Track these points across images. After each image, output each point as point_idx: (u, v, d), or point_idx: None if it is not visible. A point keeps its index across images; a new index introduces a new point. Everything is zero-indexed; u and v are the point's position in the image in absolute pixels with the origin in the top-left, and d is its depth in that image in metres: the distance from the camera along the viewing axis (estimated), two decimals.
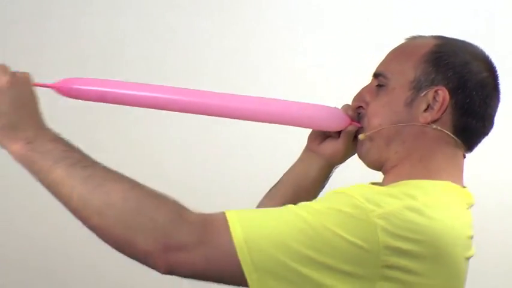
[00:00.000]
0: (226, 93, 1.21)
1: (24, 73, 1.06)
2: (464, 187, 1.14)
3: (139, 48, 2.60)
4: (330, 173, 1.30)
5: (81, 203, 0.93)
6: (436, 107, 1.10)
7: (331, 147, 1.25)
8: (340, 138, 1.23)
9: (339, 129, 1.21)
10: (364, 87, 1.18)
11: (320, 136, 1.27)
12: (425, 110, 1.10)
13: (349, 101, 1.21)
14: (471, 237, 1.07)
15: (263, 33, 2.58)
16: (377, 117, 1.13)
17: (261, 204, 1.33)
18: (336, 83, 2.31)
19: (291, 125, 1.20)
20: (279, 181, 1.32)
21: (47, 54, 2.60)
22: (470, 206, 1.12)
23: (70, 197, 0.93)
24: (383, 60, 1.17)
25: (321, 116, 1.19)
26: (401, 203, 0.96)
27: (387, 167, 1.13)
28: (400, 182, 1.07)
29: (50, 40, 2.61)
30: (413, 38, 1.18)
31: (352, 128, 1.19)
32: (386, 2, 2.56)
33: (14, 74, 1.04)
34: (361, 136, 1.15)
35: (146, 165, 2.51)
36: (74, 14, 2.61)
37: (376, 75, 1.16)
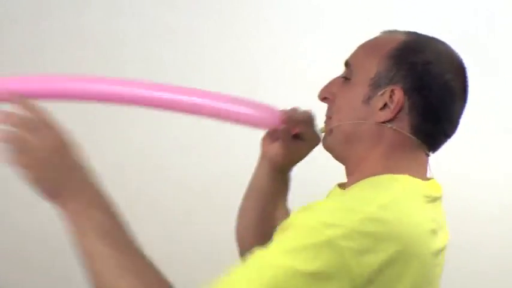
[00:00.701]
0: (156, 84, 1.18)
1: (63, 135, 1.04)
2: (429, 179, 1.11)
3: (139, 48, 2.60)
4: (283, 178, 1.28)
5: (103, 285, 0.94)
6: (392, 106, 1.08)
7: (272, 148, 1.24)
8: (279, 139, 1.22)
9: (269, 128, 1.18)
10: (335, 78, 1.16)
11: (269, 139, 1.25)
12: (382, 109, 1.08)
13: None
14: (433, 230, 1.02)
15: (263, 33, 2.58)
16: (338, 113, 1.12)
17: (238, 218, 1.32)
18: None
19: (218, 118, 1.14)
20: (244, 194, 1.31)
21: (47, 54, 2.61)
22: (436, 198, 1.08)
23: (99, 274, 0.94)
24: (354, 51, 1.15)
25: (249, 113, 1.13)
26: (359, 216, 0.93)
27: (350, 168, 1.12)
28: (360, 181, 1.06)
29: (50, 40, 2.61)
30: (387, 32, 1.15)
31: (283, 127, 1.17)
32: (387, 2, 2.56)
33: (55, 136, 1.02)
34: (321, 129, 1.16)
35: (146, 165, 2.52)
36: (74, 14, 2.61)
37: (346, 64, 1.15)
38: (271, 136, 1.23)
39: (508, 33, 2.52)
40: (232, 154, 2.50)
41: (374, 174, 1.07)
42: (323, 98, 1.16)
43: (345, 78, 1.13)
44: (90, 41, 2.60)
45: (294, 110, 1.19)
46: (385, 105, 1.08)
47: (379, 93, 1.08)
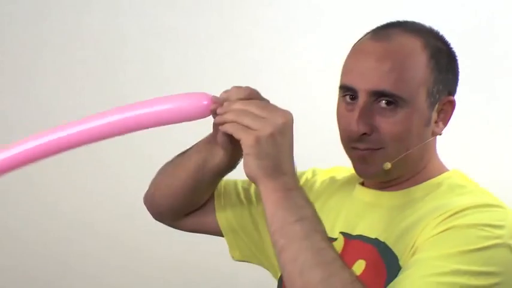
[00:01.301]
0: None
1: (290, 113, 0.98)
2: None
3: (139, 48, 2.60)
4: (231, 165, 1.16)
5: (298, 269, 0.90)
6: (448, 116, 1.10)
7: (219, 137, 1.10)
8: None
9: (202, 117, 1.03)
10: (365, 107, 1.06)
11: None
12: (437, 120, 1.09)
13: None
14: None
15: (263, 33, 2.58)
16: (400, 142, 1.06)
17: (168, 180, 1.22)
18: (336, 83, 2.31)
19: (143, 127, 1.05)
20: (176, 163, 1.20)
21: (47, 54, 2.61)
22: None
23: (294, 258, 0.90)
24: (380, 73, 1.05)
25: (167, 107, 1.02)
26: (503, 210, 1.02)
27: (402, 179, 1.11)
28: (426, 183, 1.09)
29: (50, 40, 2.61)
30: (392, 38, 1.08)
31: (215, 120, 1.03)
32: (386, 2, 2.56)
33: (285, 115, 0.97)
34: (386, 165, 1.06)
35: (145, 165, 2.51)
36: (74, 14, 2.61)
37: (382, 93, 1.05)
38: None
39: (508, 33, 2.52)
40: None
41: (435, 175, 1.10)
42: (363, 134, 1.06)
43: (388, 104, 1.05)
44: (90, 41, 2.60)
45: (227, 92, 1.05)
46: (438, 116, 1.09)
47: (435, 109, 1.08)
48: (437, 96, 1.07)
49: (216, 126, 1.05)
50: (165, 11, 2.60)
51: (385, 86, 1.04)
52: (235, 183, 1.24)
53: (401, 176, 1.10)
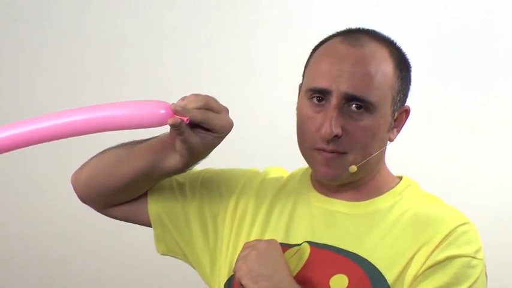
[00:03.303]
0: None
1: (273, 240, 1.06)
2: None
3: (139, 48, 2.60)
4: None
5: None
6: (401, 124, 1.14)
7: (177, 144, 1.10)
8: None
9: (160, 125, 1.03)
10: (334, 110, 1.07)
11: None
12: (393, 128, 1.13)
13: None
14: None
15: (263, 33, 2.58)
16: (365, 148, 1.08)
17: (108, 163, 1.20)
18: None
19: (110, 127, 1.05)
20: (134, 148, 1.17)
21: (47, 54, 2.60)
22: None
23: None
24: (355, 77, 1.07)
25: (127, 113, 1.02)
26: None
27: (359, 183, 1.14)
28: (386, 194, 1.13)
29: (50, 40, 2.61)
30: (364, 45, 1.10)
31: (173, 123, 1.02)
32: (386, 2, 2.56)
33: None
34: (351, 168, 1.08)
35: None
36: (74, 14, 2.61)
37: (355, 98, 1.07)
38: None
39: (508, 33, 2.52)
40: (232, 154, 2.50)
41: (388, 183, 1.14)
42: (335, 136, 1.07)
43: (358, 108, 1.07)
44: (90, 41, 2.59)
45: (184, 99, 1.05)
46: (393, 123, 1.13)
47: (395, 116, 1.12)
48: (398, 104, 1.11)
49: (174, 132, 1.05)
50: (165, 11, 2.60)
51: (359, 90, 1.06)
52: (170, 177, 1.21)
53: (360, 179, 1.12)
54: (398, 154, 2.36)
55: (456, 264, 1.03)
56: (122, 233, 2.52)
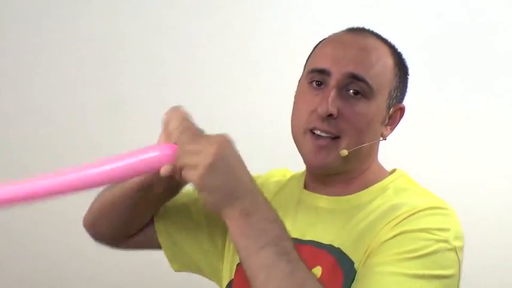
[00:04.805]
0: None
1: (223, 135, 0.94)
2: None
3: (139, 48, 2.60)
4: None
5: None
6: (395, 122, 1.15)
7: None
8: None
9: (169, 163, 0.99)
10: (337, 89, 1.08)
11: None
12: (386, 124, 1.14)
13: None
14: None
15: (263, 33, 2.58)
16: (359, 135, 1.08)
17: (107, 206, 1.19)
18: None
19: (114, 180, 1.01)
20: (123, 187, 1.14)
21: (47, 54, 2.60)
22: None
23: (264, 284, 0.88)
24: (358, 59, 1.09)
25: (136, 160, 0.98)
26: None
27: (349, 176, 1.13)
28: (374, 186, 1.12)
29: (50, 40, 2.61)
30: (368, 38, 1.13)
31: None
32: (386, 2, 2.56)
33: (217, 140, 0.92)
34: (343, 152, 1.08)
35: None
36: (74, 14, 2.61)
37: (356, 77, 1.08)
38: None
39: (508, 33, 2.52)
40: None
41: (377, 178, 1.13)
42: (329, 114, 1.07)
43: (356, 93, 1.08)
44: (90, 41, 2.60)
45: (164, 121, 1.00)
46: (387, 120, 1.14)
47: (390, 112, 1.13)
48: (394, 100, 1.13)
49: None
50: (165, 11, 2.60)
51: (359, 70, 1.08)
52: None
53: (349, 172, 1.12)
54: (399, 154, 2.38)
55: (415, 236, 0.99)
56: None
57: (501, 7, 2.52)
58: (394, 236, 0.99)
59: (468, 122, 2.49)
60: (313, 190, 1.16)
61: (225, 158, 0.91)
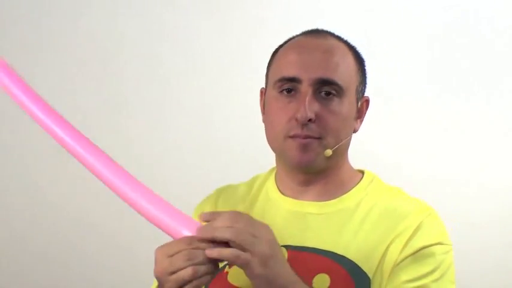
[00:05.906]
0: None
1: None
2: None
3: (139, 48, 2.60)
4: None
5: None
6: (363, 115, 1.19)
7: None
8: None
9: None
10: (311, 95, 1.10)
11: None
12: (356, 118, 1.17)
13: None
14: None
15: (263, 33, 2.58)
16: (337, 133, 1.12)
17: None
18: None
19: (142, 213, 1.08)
20: None
21: (47, 54, 2.61)
22: None
23: None
24: (325, 63, 1.12)
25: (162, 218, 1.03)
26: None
27: (328, 174, 1.15)
28: (356, 187, 1.16)
29: (50, 40, 2.61)
30: (328, 38, 1.17)
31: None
32: (386, 2, 2.56)
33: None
34: (327, 152, 1.11)
35: (144, 165, 2.52)
36: (74, 14, 2.61)
37: (327, 81, 1.11)
38: None
39: (508, 33, 2.52)
40: (231, 154, 2.50)
41: (352, 179, 1.18)
42: (309, 119, 1.10)
43: (327, 94, 1.11)
44: (90, 41, 2.60)
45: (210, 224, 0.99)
46: (357, 114, 1.18)
47: (358, 106, 1.17)
48: (360, 94, 1.17)
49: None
50: (165, 11, 2.60)
51: (329, 75, 1.11)
52: None
53: (327, 170, 1.14)
54: (399, 154, 2.37)
55: (431, 252, 1.07)
56: (122, 234, 2.52)
57: (501, 7, 2.52)
58: (418, 251, 1.07)
59: (468, 122, 2.49)
60: (292, 196, 1.17)
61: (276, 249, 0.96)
